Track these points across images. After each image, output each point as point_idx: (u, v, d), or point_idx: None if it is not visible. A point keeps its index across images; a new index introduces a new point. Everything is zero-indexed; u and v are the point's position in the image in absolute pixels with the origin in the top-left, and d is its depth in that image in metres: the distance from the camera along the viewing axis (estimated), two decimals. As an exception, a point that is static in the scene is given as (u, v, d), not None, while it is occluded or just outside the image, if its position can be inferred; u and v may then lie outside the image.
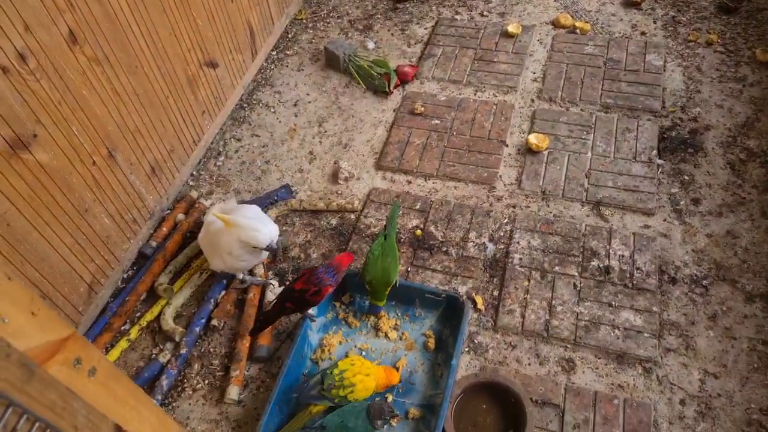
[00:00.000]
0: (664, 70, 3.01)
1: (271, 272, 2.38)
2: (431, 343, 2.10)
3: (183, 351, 2.13)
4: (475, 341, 2.13)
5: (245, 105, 3.07)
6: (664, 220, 2.42)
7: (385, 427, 1.89)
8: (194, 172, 2.77)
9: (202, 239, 2.25)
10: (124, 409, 0.93)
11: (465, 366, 2.07)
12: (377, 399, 1.96)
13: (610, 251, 2.32)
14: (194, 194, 2.65)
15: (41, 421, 0.63)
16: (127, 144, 2.25)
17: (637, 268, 2.26)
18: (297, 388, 1.95)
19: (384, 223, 2.43)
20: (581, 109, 2.88)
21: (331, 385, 1.86)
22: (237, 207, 2.22)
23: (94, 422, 0.74)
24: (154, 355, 2.16)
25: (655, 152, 2.64)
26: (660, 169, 2.59)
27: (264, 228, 2.02)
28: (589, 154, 2.67)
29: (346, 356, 2.08)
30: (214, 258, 2.16)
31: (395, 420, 1.93)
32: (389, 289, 2.08)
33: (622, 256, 2.30)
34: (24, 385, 0.62)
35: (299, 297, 1.93)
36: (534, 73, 3.09)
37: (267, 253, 2.12)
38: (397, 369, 2.04)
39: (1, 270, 0.69)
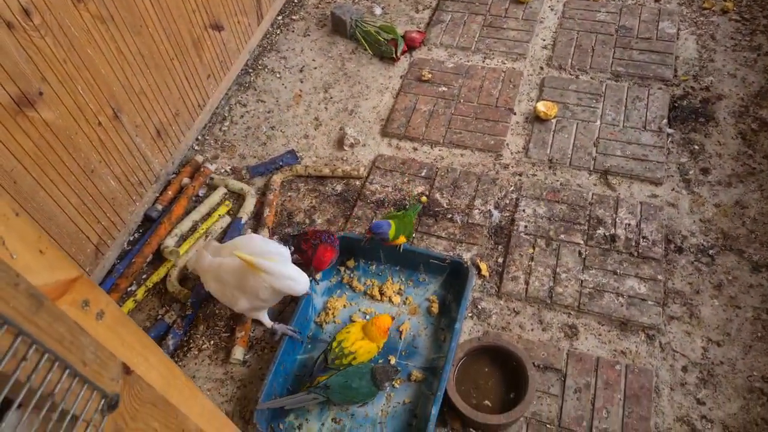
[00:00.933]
0: (677, 38, 2.94)
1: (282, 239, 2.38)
2: (435, 308, 2.11)
3: (189, 312, 2.15)
4: (479, 307, 2.14)
5: (250, 70, 3.04)
6: (672, 190, 2.40)
7: (388, 387, 1.92)
8: (199, 137, 2.76)
9: (210, 283, 1.97)
10: (132, 354, 0.93)
11: (468, 331, 2.08)
12: (380, 361, 1.98)
13: (617, 220, 2.31)
14: (199, 158, 2.64)
15: (50, 352, 0.64)
16: (132, 105, 2.23)
17: (644, 237, 2.25)
18: (308, 370, 1.98)
19: (405, 204, 2.44)
20: (591, 77, 2.83)
21: (335, 359, 1.89)
22: (231, 244, 1.99)
23: (102, 359, 0.75)
24: (160, 316, 2.19)
25: (665, 121, 2.60)
26: (669, 139, 2.56)
27: (300, 276, 1.86)
28: (598, 122, 2.64)
29: (351, 321, 2.10)
30: (239, 300, 1.92)
31: (397, 381, 1.96)
32: (401, 242, 2.10)
33: (629, 224, 2.29)
34: (32, 316, 0.62)
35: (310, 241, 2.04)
36: (544, 40, 3.03)
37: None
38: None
39: (8, 205, 0.68)
